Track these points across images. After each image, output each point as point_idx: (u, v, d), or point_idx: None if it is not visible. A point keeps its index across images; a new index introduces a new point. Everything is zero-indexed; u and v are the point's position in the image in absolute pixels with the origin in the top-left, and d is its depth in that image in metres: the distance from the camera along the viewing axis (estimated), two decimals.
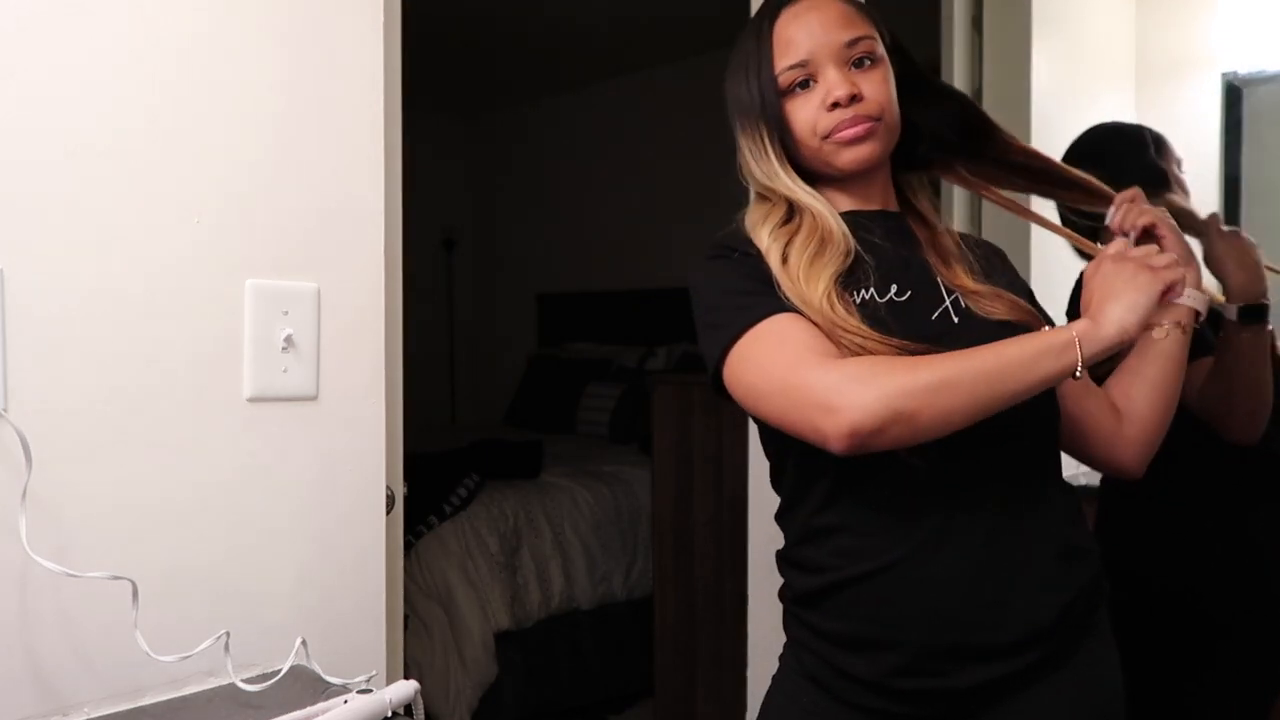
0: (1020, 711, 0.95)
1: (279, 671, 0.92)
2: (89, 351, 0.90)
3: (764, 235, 1.02)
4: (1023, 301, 1.02)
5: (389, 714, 0.81)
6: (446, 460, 3.16)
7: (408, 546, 2.76)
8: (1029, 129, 2.34)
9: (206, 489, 0.97)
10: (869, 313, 0.96)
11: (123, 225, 0.92)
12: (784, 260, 0.99)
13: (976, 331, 0.97)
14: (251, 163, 1.00)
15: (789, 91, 1.02)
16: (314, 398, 1.06)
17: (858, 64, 1.01)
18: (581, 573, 3.13)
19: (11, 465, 0.85)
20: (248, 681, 0.91)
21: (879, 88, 1.01)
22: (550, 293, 5.32)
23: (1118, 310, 0.90)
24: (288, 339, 1.02)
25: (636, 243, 4.71)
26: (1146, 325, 0.93)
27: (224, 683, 0.92)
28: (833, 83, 1.00)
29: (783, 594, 1.07)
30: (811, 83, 1.01)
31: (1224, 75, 2.67)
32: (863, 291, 0.99)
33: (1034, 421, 0.98)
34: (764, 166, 1.04)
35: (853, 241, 1.01)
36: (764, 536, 1.92)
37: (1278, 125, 2.62)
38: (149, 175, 0.93)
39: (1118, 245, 0.98)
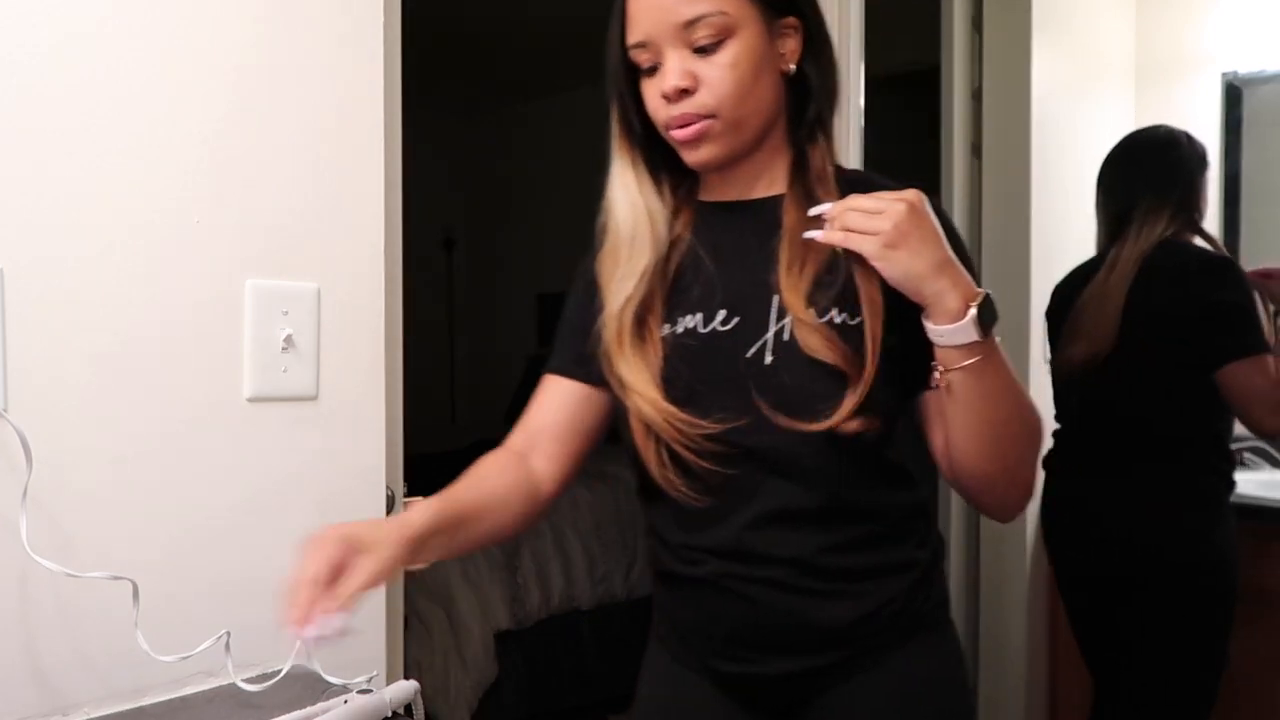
0: (837, 701, 0.97)
1: (279, 671, 0.92)
2: (89, 352, 0.90)
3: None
4: (838, 341, 0.89)
5: (389, 714, 0.81)
6: (446, 460, 3.16)
7: None
8: (1029, 129, 2.34)
9: (207, 488, 0.97)
10: (682, 345, 0.94)
11: (123, 225, 0.92)
12: (599, 262, 1.00)
13: (785, 375, 0.90)
14: (251, 163, 1.00)
15: (642, 70, 0.94)
16: (314, 398, 1.06)
17: (701, 48, 0.90)
18: (582, 573, 3.13)
19: (11, 465, 0.85)
20: (248, 681, 0.91)
21: (722, 74, 0.89)
22: (550, 293, 5.30)
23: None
24: (288, 339, 1.02)
25: None
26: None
27: (224, 683, 0.92)
28: (666, 71, 0.91)
29: None
30: (660, 65, 0.92)
31: (1224, 75, 2.67)
32: (688, 318, 0.96)
33: (779, 459, 0.92)
34: (612, 139, 1.00)
35: (647, 245, 0.96)
36: None
37: (1278, 125, 2.62)
38: (149, 176, 0.93)
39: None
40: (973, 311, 0.85)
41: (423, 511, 0.85)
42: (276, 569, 1.02)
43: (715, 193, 1.02)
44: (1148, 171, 1.90)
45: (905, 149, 3.53)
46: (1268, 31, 2.60)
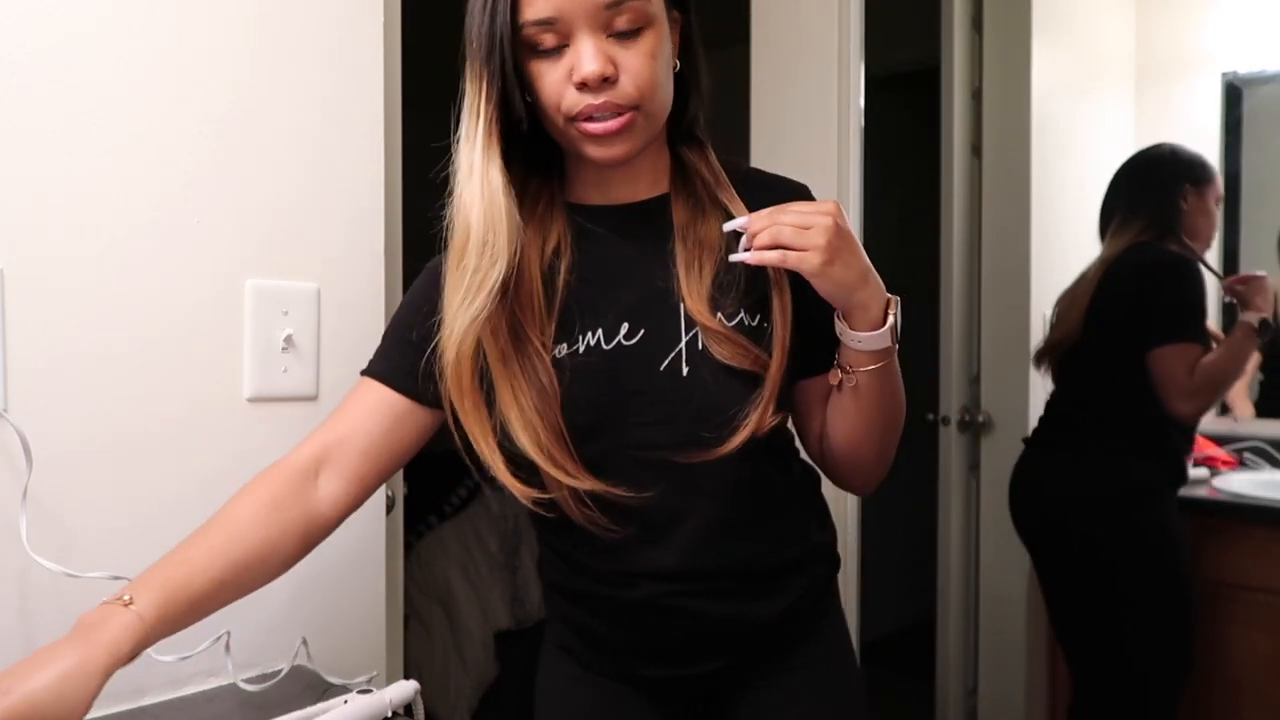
0: (766, 685, 0.98)
1: (279, 671, 0.92)
2: (89, 351, 0.90)
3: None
4: (749, 346, 0.87)
5: (389, 714, 0.81)
6: (446, 460, 3.16)
7: (408, 546, 2.76)
8: (1029, 129, 2.34)
9: (207, 489, 0.97)
10: (584, 365, 0.87)
11: (123, 225, 0.92)
12: (444, 274, 0.87)
13: (704, 386, 0.87)
14: (251, 163, 1.00)
15: (535, 50, 0.83)
16: (314, 398, 1.06)
17: (621, 34, 0.82)
18: None
19: (11, 465, 0.85)
20: (248, 681, 0.91)
21: (643, 64, 0.82)
22: None
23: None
24: (288, 339, 1.02)
25: None
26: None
27: (224, 683, 0.92)
28: (584, 55, 0.81)
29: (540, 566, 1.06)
30: (563, 45, 0.82)
31: (1224, 75, 2.67)
32: (587, 336, 0.88)
33: (710, 474, 0.89)
34: (469, 124, 0.84)
35: (503, 253, 0.83)
36: None
37: (1278, 125, 2.62)
38: (150, 177, 0.93)
39: None
40: (891, 319, 0.86)
41: (134, 625, 0.72)
42: None
43: (591, 195, 0.93)
44: (1122, 191, 2.07)
45: (905, 149, 3.53)
46: (1268, 31, 2.60)
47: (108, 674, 0.69)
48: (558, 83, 0.82)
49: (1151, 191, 2.01)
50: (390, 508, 1.18)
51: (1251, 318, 1.89)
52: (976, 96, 2.41)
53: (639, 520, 0.89)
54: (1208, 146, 2.56)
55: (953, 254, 2.37)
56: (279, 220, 1.02)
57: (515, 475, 0.86)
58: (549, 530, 0.96)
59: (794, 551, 0.96)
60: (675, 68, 0.89)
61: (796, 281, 0.86)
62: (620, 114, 0.82)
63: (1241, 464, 2.47)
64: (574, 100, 0.82)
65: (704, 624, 0.93)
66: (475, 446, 0.86)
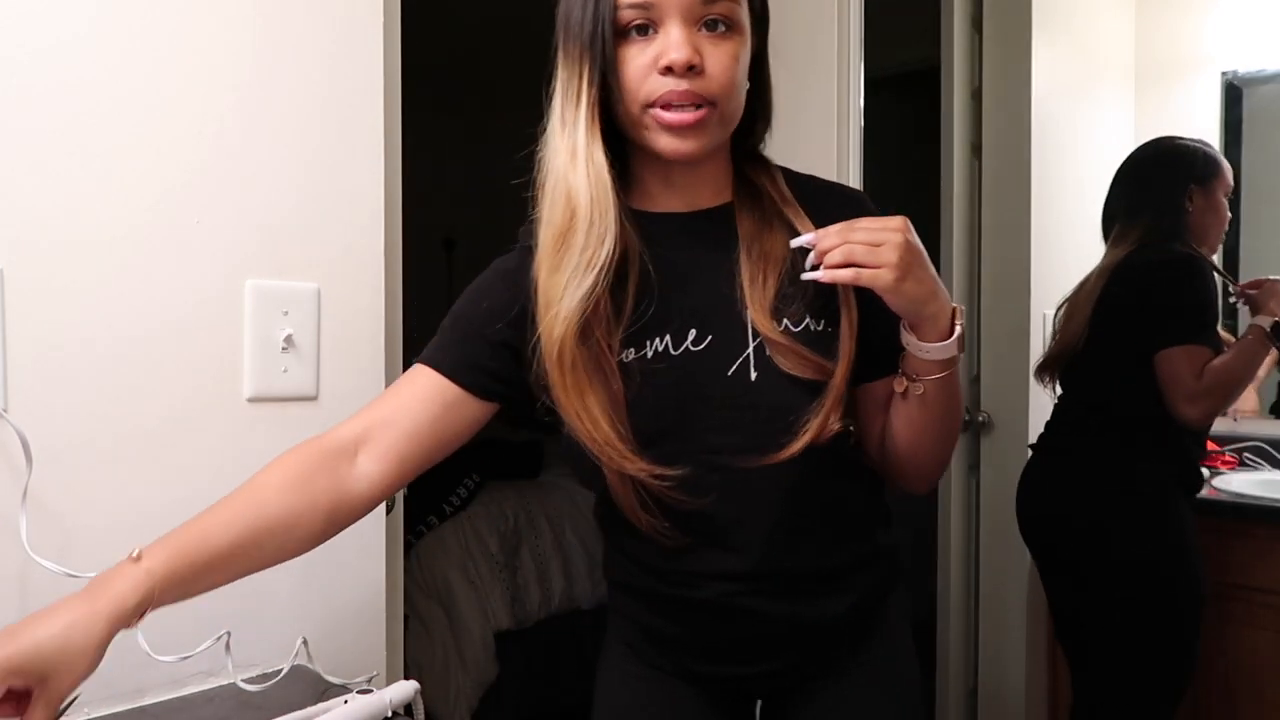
0: (826, 686, 0.99)
1: (279, 671, 0.92)
2: (89, 351, 0.90)
3: (541, 218, 0.89)
4: (810, 354, 0.88)
5: (389, 714, 0.81)
6: (446, 460, 3.16)
7: (408, 546, 2.76)
8: (1029, 129, 2.34)
9: (207, 489, 0.97)
10: (653, 371, 0.88)
11: (123, 226, 0.92)
12: (538, 257, 0.88)
13: (771, 393, 0.88)
14: (252, 163, 1.00)
15: (626, 32, 0.84)
16: (314, 398, 1.06)
17: (710, 25, 0.84)
18: (582, 572, 3.13)
19: (11, 465, 0.85)
20: (248, 681, 0.91)
21: (727, 63, 0.84)
22: None
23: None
24: (288, 339, 1.02)
25: None
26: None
27: (224, 683, 0.92)
28: (672, 42, 0.82)
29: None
30: (652, 30, 0.84)
31: (1224, 75, 2.67)
32: (656, 342, 0.89)
33: (775, 478, 0.90)
34: (567, 109, 0.87)
35: (609, 233, 0.84)
36: None
37: (1278, 125, 2.62)
38: (150, 177, 0.93)
39: None
40: (959, 329, 0.87)
41: (141, 580, 0.73)
42: (276, 569, 1.02)
43: (655, 201, 0.94)
44: (1128, 189, 1.99)
45: (905, 149, 3.53)
46: (1268, 31, 2.60)
47: (113, 625, 0.71)
48: (642, 68, 0.84)
49: (1152, 195, 1.93)
50: (390, 508, 1.18)
51: (1264, 321, 1.83)
52: (976, 96, 2.41)
53: (703, 523, 0.90)
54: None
55: (952, 254, 2.37)
56: (279, 220, 1.02)
57: (619, 452, 0.86)
58: (617, 530, 0.97)
59: (857, 552, 0.98)
60: (746, 84, 0.90)
61: (863, 291, 0.87)
62: (698, 108, 0.84)
63: (1241, 464, 2.47)
64: (656, 85, 0.83)
65: (767, 624, 0.94)
66: (573, 426, 0.87)
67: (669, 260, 0.90)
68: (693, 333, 0.89)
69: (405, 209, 1.23)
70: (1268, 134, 2.62)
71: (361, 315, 1.10)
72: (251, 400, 1.00)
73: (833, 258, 0.83)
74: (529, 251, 0.90)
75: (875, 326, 0.91)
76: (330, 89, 1.06)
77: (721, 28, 0.84)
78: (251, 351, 1.00)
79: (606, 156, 0.85)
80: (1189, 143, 1.98)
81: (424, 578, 2.86)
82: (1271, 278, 1.93)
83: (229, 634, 0.90)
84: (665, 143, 0.85)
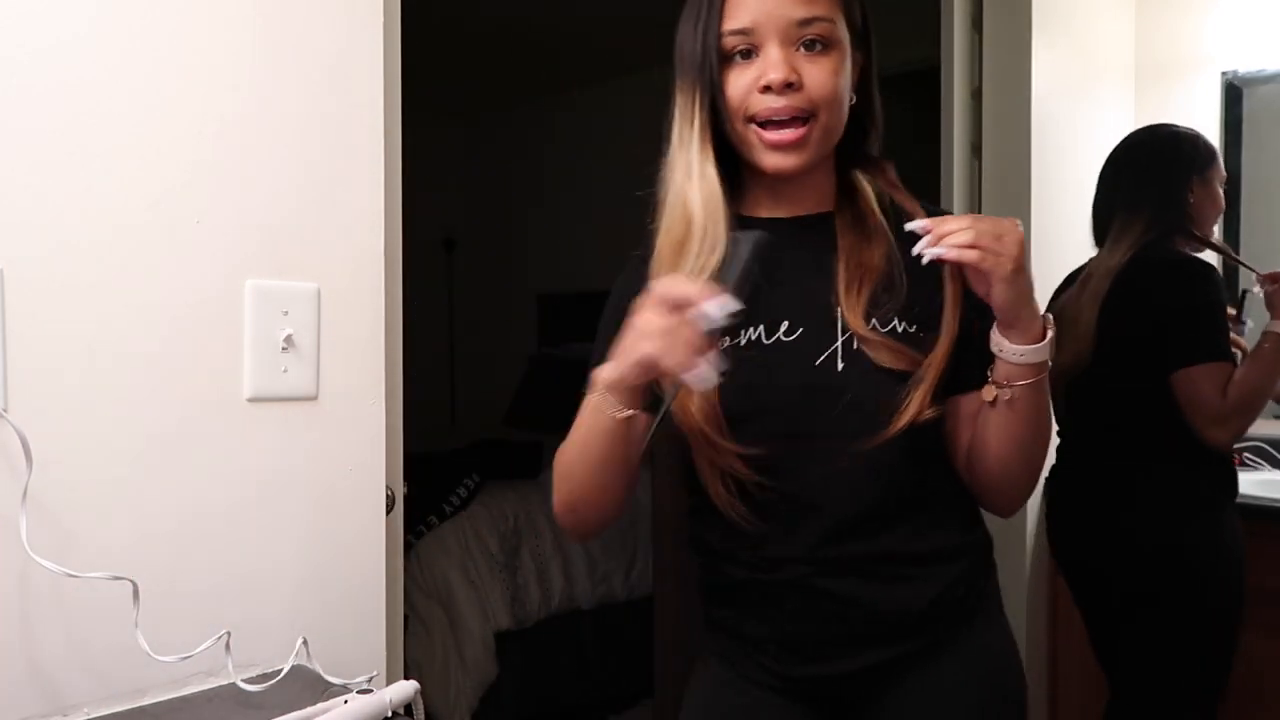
0: (916, 687, 0.99)
1: (279, 671, 0.92)
2: (89, 351, 0.90)
3: (660, 227, 0.99)
4: (905, 349, 0.93)
5: (389, 714, 0.81)
6: (446, 460, 3.16)
7: (408, 546, 2.76)
8: (1029, 129, 2.34)
9: (206, 489, 0.97)
10: (745, 358, 0.94)
11: (123, 226, 0.92)
12: (655, 263, 0.97)
13: (858, 382, 0.93)
14: (251, 163, 1.00)
15: (730, 57, 0.93)
16: (314, 398, 1.06)
17: (809, 46, 0.92)
18: (582, 573, 3.13)
19: (11, 465, 0.85)
20: (248, 681, 0.91)
21: (825, 79, 0.92)
22: (550, 293, 5.31)
23: (611, 365, 0.86)
24: (288, 339, 1.02)
25: (636, 243, 4.69)
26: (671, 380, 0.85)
27: (224, 683, 0.92)
28: (771, 62, 0.91)
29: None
30: (754, 54, 0.93)
31: (1224, 75, 2.67)
32: (750, 331, 0.96)
33: (859, 462, 0.94)
34: (683, 130, 0.96)
35: (720, 242, 0.93)
36: None
37: (1278, 125, 2.62)
38: (149, 176, 0.93)
39: (653, 293, 0.83)
40: (1050, 334, 0.91)
41: None
42: (276, 569, 1.02)
43: (760, 208, 1.01)
44: (1126, 180, 1.90)
45: (905, 149, 3.53)
46: (1268, 31, 2.60)
47: None
48: (745, 88, 0.92)
49: (1154, 186, 1.84)
50: (390, 508, 1.18)
51: (1278, 327, 1.73)
52: (976, 96, 2.41)
53: (784, 506, 0.95)
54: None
55: None
56: (279, 220, 1.02)
57: (711, 432, 0.93)
58: (703, 523, 1.02)
59: (942, 540, 1.00)
60: (851, 101, 0.97)
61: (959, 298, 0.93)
62: (798, 124, 0.92)
63: (1242, 464, 2.47)
64: (757, 103, 0.92)
65: (849, 607, 0.96)
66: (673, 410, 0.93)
67: (771, 261, 0.95)
68: (785, 324, 0.96)
69: (405, 209, 1.23)
70: (1268, 134, 2.62)
71: (361, 315, 1.10)
72: (251, 400, 1.00)
73: (959, 238, 0.87)
74: (643, 260, 1.00)
75: (966, 336, 0.95)
76: (330, 89, 1.06)
77: (819, 46, 0.92)
78: (251, 351, 1.00)
79: (718, 171, 0.94)
80: (1184, 131, 1.91)
81: (424, 578, 2.86)
82: None
83: (229, 634, 0.90)
84: (768, 159, 0.94)
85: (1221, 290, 1.76)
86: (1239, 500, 1.96)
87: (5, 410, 0.85)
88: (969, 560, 1.02)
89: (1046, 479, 2.00)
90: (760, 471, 0.94)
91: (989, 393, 0.94)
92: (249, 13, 0.99)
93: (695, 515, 1.05)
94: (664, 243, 0.96)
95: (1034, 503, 2.36)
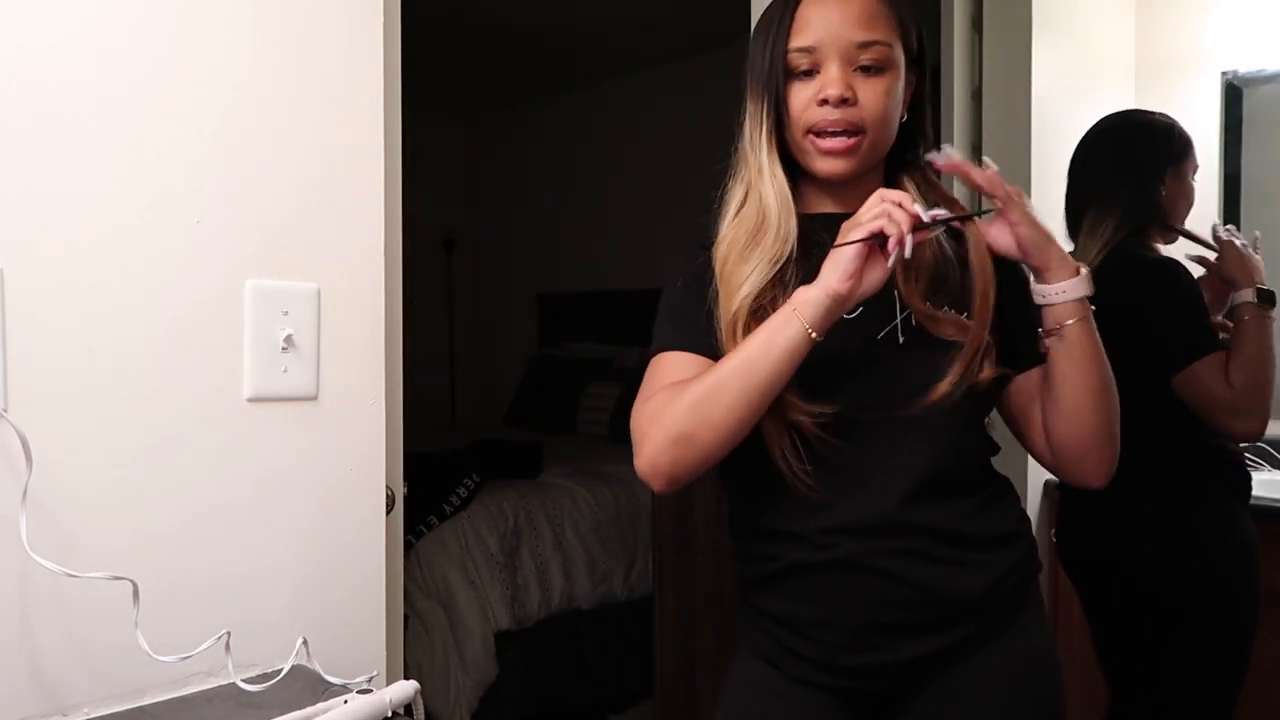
0: (959, 680, 1.02)
1: (279, 671, 0.92)
2: (89, 351, 0.90)
3: (728, 216, 1.07)
4: (957, 318, 1.02)
5: (389, 714, 0.81)
6: (446, 460, 3.16)
7: (408, 546, 2.76)
8: (1029, 129, 2.34)
9: (206, 489, 0.97)
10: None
11: (123, 226, 0.92)
12: (727, 247, 1.05)
13: (920, 352, 1.01)
14: (252, 163, 1.00)
15: (794, 74, 1.03)
16: (314, 398, 1.06)
17: (865, 69, 1.01)
18: (582, 573, 3.13)
19: (11, 465, 0.85)
20: (248, 681, 0.91)
21: (877, 98, 1.01)
22: (550, 293, 5.31)
23: (826, 271, 0.95)
24: (288, 339, 1.02)
25: (637, 243, 4.70)
26: (873, 281, 0.95)
27: (224, 683, 0.92)
28: (830, 79, 1.00)
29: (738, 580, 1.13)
30: (815, 72, 1.02)
31: (1224, 75, 2.66)
32: None
33: (922, 428, 1.00)
34: (755, 134, 1.05)
35: (791, 235, 1.02)
36: None
37: (1278, 125, 2.62)
38: (149, 176, 0.93)
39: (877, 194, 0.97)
40: (1084, 270, 1.00)
41: None
42: (276, 569, 1.02)
43: (818, 205, 1.09)
44: (1097, 170, 1.85)
45: None
46: (1268, 31, 2.60)
47: None
48: (805, 101, 1.02)
49: (1127, 179, 1.78)
50: (390, 508, 1.18)
51: (1247, 295, 1.68)
52: (976, 96, 2.41)
53: (846, 470, 1.00)
54: (1208, 146, 2.56)
55: None
56: (279, 220, 1.02)
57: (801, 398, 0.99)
58: (755, 506, 1.06)
59: (998, 526, 1.04)
60: (903, 118, 1.06)
61: (1000, 287, 1.00)
62: (850, 135, 1.01)
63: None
64: (814, 114, 1.01)
65: (900, 590, 0.99)
66: None
67: (827, 248, 1.01)
68: None
69: (405, 209, 1.23)
70: (1268, 134, 2.62)
71: (361, 315, 1.10)
72: (251, 400, 1.00)
73: (986, 174, 0.97)
74: (703, 248, 1.08)
75: (1013, 316, 1.03)
76: (330, 89, 1.06)
77: (874, 69, 1.01)
78: (251, 351, 1.00)
79: (784, 172, 1.04)
80: (1159, 118, 1.85)
81: (424, 578, 2.87)
82: (1235, 242, 1.75)
83: (229, 634, 0.90)
84: (820, 164, 1.03)
85: (1195, 283, 1.72)
86: None
87: (5, 410, 0.85)
88: (1023, 549, 1.06)
89: (1064, 498, 1.97)
90: (826, 429, 0.99)
91: (1043, 346, 1.02)
92: (249, 12, 0.99)
93: (747, 500, 1.08)
94: (738, 231, 1.04)
95: (1034, 503, 2.36)
